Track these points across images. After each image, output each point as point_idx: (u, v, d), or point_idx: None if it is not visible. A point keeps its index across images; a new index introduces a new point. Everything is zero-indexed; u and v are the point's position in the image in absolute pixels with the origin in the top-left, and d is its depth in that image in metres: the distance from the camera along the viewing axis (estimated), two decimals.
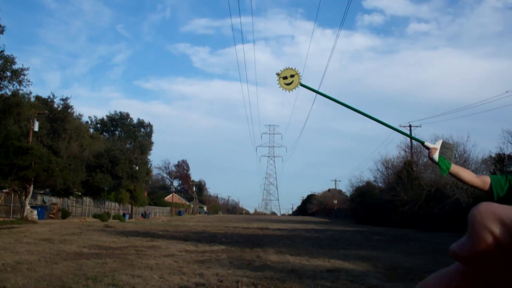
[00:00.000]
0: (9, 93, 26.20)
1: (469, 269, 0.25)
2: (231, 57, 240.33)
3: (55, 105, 38.02)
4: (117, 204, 45.44)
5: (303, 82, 2.76)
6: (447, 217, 25.08)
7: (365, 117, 2.79)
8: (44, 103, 37.00)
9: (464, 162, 25.50)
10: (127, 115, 60.32)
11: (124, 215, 41.83)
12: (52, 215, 30.65)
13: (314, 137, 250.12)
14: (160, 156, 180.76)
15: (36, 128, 29.97)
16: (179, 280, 6.54)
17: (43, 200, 31.13)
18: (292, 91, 2.75)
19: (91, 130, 52.37)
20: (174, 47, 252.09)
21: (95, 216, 36.26)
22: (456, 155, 24.72)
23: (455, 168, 2.49)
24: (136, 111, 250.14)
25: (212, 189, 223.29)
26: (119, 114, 59.91)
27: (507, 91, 26.87)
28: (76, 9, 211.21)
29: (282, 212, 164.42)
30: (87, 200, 38.66)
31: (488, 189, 2.40)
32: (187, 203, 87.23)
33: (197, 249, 11.50)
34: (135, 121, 61.27)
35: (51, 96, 38.53)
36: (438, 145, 2.55)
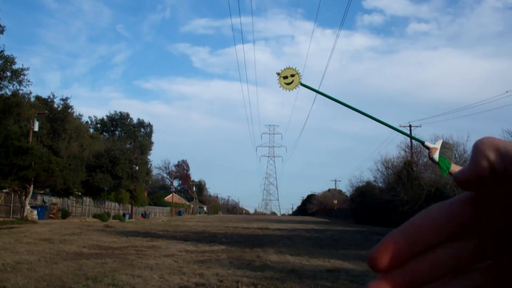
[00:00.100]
0: (9, 93, 26.24)
1: (470, 197, 0.28)
2: (231, 57, 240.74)
3: (55, 105, 38.00)
4: (117, 204, 45.42)
5: (303, 82, 2.76)
6: None
7: (365, 116, 2.79)
8: (44, 103, 36.98)
9: (464, 162, 25.50)
10: (127, 115, 60.34)
11: (124, 215, 41.81)
12: (52, 215, 30.64)
13: (314, 137, 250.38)
14: (160, 156, 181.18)
15: (36, 128, 29.95)
16: (179, 280, 6.53)
17: (43, 200, 31.12)
18: (292, 90, 2.75)
19: (91, 130, 52.34)
20: (174, 47, 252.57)
21: (95, 216, 36.25)
22: (456, 155, 24.74)
23: (455, 168, 2.49)
24: (136, 111, 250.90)
25: (212, 189, 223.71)
26: (119, 114, 59.91)
27: (507, 91, 26.91)
28: (76, 9, 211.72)
29: (282, 212, 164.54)
30: (87, 200, 38.64)
31: None
32: (187, 203, 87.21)
33: (197, 249, 11.49)
34: (135, 121, 61.31)
35: (51, 96, 38.55)
36: (438, 145, 2.55)
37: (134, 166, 42.59)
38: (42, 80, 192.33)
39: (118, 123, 59.61)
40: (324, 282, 6.66)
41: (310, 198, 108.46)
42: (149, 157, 56.05)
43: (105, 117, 59.48)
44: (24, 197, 27.32)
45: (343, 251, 11.99)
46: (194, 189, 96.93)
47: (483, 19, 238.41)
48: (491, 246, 0.28)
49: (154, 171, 74.18)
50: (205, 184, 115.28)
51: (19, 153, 25.71)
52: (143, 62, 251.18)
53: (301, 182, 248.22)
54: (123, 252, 10.23)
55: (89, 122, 56.94)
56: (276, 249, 11.71)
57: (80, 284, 5.98)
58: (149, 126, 62.45)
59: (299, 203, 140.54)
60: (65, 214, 32.17)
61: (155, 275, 6.87)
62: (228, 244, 13.06)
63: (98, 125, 58.94)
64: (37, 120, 30.41)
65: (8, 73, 25.07)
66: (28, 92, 30.39)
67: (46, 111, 33.83)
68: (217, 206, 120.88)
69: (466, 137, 36.12)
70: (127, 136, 57.50)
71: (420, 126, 40.31)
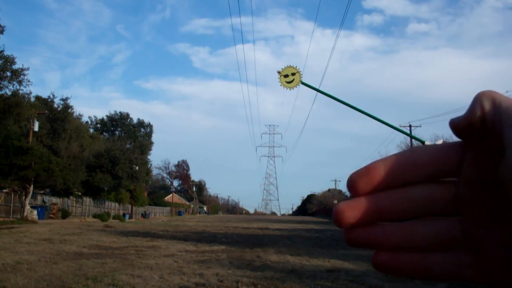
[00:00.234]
0: (9, 93, 26.24)
1: (458, 144, 0.28)
2: (231, 57, 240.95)
3: (55, 105, 38.00)
4: (117, 204, 45.41)
5: (303, 81, 2.75)
6: None
7: (366, 116, 2.78)
8: (44, 103, 36.97)
9: None
10: (127, 115, 60.32)
11: (124, 215, 41.80)
12: (52, 215, 30.63)
13: (314, 137, 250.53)
14: (160, 156, 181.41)
15: (36, 128, 29.95)
16: (179, 280, 6.53)
17: (43, 200, 31.11)
18: (293, 89, 2.75)
19: (91, 130, 52.33)
20: (174, 47, 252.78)
21: (95, 216, 36.24)
22: None
23: None
24: (136, 111, 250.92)
25: (212, 189, 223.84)
26: (119, 114, 59.88)
27: (507, 91, 26.87)
28: (76, 9, 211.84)
29: (282, 212, 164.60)
30: (87, 200, 38.63)
31: None
32: (187, 203, 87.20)
33: (197, 249, 11.49)
34: (135, 121, 61.29)
35: (51, 96, 38.56)
36: None
37: (134, 166, 42.58)
38: (42, 80, 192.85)
39: (118, 123, 59.60)
40: (324, 282, 6.66)
41: (310, 198, 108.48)
42: (149, 157, 56.13)
43: (105, 117, 59.52)
44: (24, 197, 27.31)
45: (343, 251, 11.98)
46: (194, 189, 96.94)
47: (483, 19, 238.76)
48: (466, 196, 0.29)
49: (154, 171, 74.32)
50: (205, 184, 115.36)
51: (19, 153, 25.70)
52: (143, 62, 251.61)
53: (301, 182, 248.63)
54: (123, 252, 10.23)
55: (89, 122, 57.00)
56: (276, 249, 11.71)
57: (80, 284, 5.97)
58: (149, 126, 62.48)
59: (299, 203, 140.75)
60: (65, 214, 32.16)
61: (155, 275, 6.86)
62: (228, 244, 13.06)
63: (98, 125, 58.93)
64: (37, 120, 30.40)
65: (8, 73, 25.10)
66: (28, 92, 30.36)
67: (46, 111, 33.83)
68: (217, 206, 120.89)
69: None
70: (127, 136, 57.49)
71: (420, 126, 40.37)
